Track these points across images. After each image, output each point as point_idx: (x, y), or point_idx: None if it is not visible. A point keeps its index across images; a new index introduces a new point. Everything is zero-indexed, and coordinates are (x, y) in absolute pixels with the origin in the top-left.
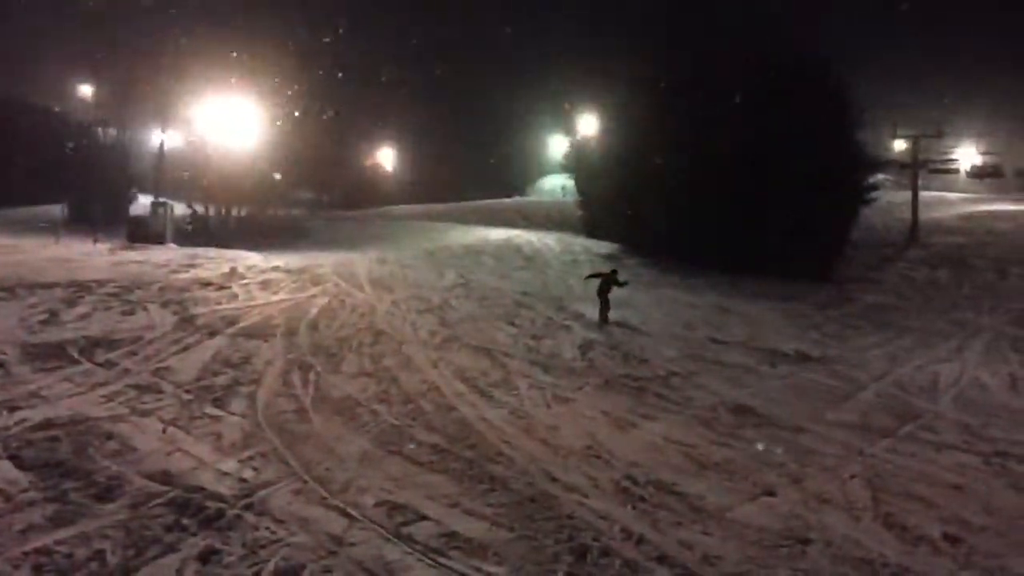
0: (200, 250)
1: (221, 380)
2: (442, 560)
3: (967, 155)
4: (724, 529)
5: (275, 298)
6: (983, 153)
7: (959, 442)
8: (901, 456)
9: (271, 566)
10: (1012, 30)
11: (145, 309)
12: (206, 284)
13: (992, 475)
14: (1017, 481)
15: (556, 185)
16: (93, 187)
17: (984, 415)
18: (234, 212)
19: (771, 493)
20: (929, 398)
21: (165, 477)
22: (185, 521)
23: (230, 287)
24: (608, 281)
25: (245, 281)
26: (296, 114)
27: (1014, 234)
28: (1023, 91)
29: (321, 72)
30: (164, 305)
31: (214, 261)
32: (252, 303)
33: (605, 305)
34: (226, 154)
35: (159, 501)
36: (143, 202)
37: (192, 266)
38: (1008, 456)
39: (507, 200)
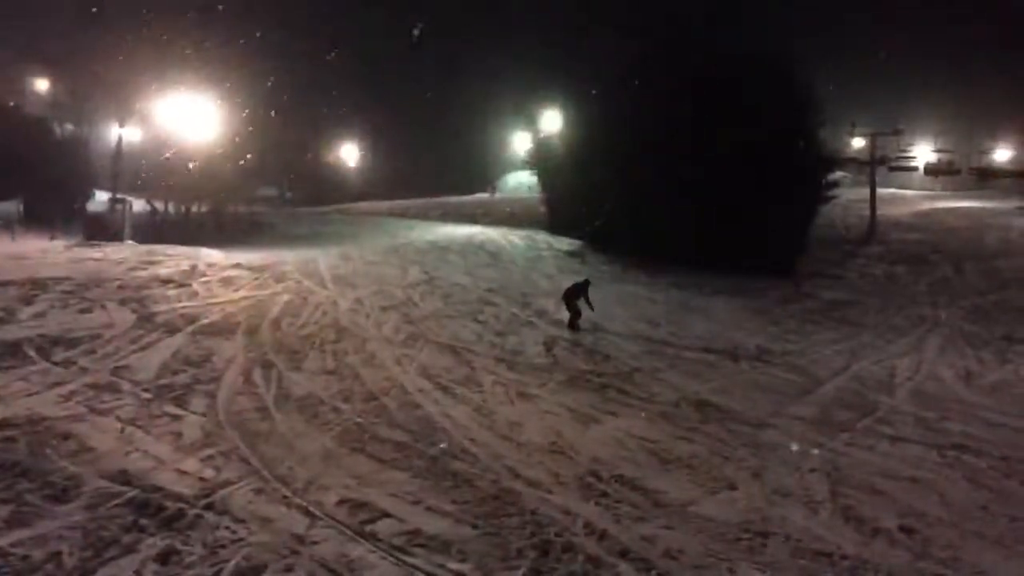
0: (159, 247)
1: (181, 379)
2: (405, 558)
3: (924, 152)
4: (686, 523)
5: (236, 295)
6: (939, 150)
7: (916, 435)
8: (859, 450)
9: (232, 566)
10: (967, 27)
11: (103, 307)
12: (166, 281)
13: (947, 467)
14: (971, 473)
15: (521, 182)
16: (49, 183)
17: (940, 409)
18: (194, 209)
19: (732, 487)
20: (887, 392)
21: (124, 477)
22: (144, 521)
23: (190, 284)
24: (575, 293)
25: (206, 278)
26: (247, 110)
27: (969, 230)
28: (978, 88)
29: (282, 67)
30: (123, 303)
31: (174, 258)
32: (213, 300)
33: (576, 314)
34: (186, 150)
35: (117, 501)
36: (101, 199)
37: (151, 263)
38: (963, 449)
39: (471, 197)
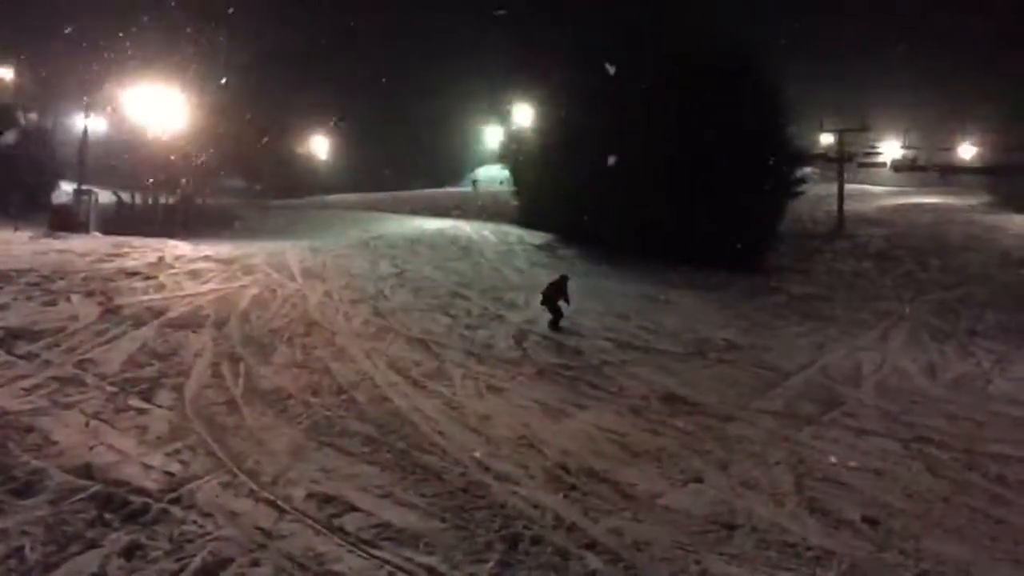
0: (126, 239)
1: (147, 372)
2: (373, 551)
3: (892, 149)
4: (654, 515)
5: (204, 288)
6: (906, 147)
7: (880, 428)
8: (825, 442)
9: (198, 560)
10: (933, 25)
11: (68, 299)
12: (132, 274)
13: (910, 460)
14: (934, 465)
15: (493, 176)
16: (13, 174)
17: (904, 402)
18: (162, 200)
19: (699, 480)
20: (853, 386)
21: (87, 471)
22: (108, 516)
23: (157, 277)
24: (555, 291)
25: (173, 271)
26: (215, 101)
27: (934, 226)
28: (944, 86)
29: (252, 57)
30: (88, 295)
31: (140, 250)
32: (180, 293)
33: (557, 315)
34: (154, 141)
35: (81, 496)
36: (66, 189)
37: (117, 255)
38: (926, 441)
39: (443, 190)
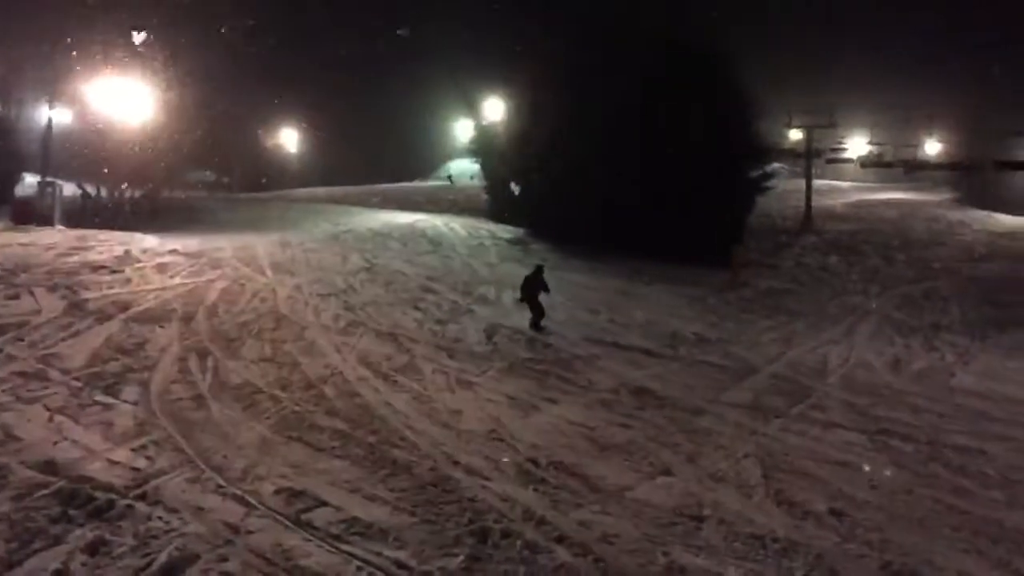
0: (91, 232)
1: (113, 367)
2: (342, 546)
3: (859, 145)
4: (623, 508)
5: (172, 282)
6: (873, 143)
7: (846, 421)
8: (792, 435)
9: (163, 557)
10: (899, 22)
11: (31, 293)
12: (97, 267)
13: (875, 452)
14: (898, 458)
15: (464, 170)
16: None
17: (869, 395)
18: (128, 193)
19: (668, 472)
20: (819, 379)
21: (51, 467)
22: (72, 512)
23: (123, 271)
24: (533, 285)
25: (140, 264)
26: (183, 93)
27: (899, 221)
28: (910, 82)
29: (221, 50)
30: (52, 289)
31: (106, 244)
32: (147, 287)
33: (539, 313)
34: (120, 133)
35: (44, 492)
36: (31, 182)
37: (82, 249)
38: (890, 434)
39: (413, 184)
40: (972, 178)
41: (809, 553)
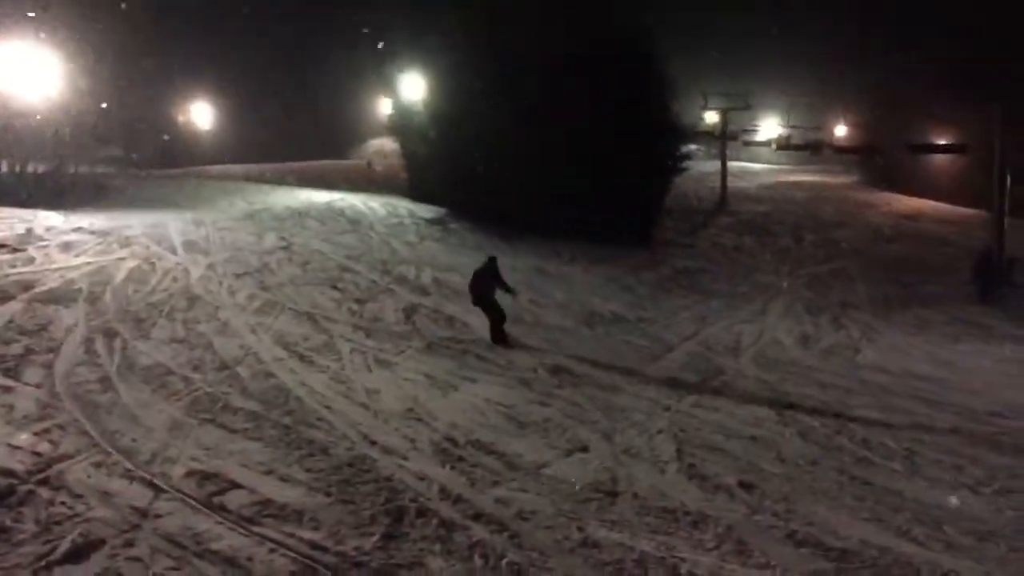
0: None
1: (14, 349)
2: (255, 528)
3: (772, 128)
4: (539, 485)
5: (77, 261)
6: (787, 126)
7: (757, 397)
8: (705, 411)
9: (67, 543)
10: (815, 5)
11: None
12: None
13: (784, 426)
14: (805, 431)
15: (385, 148)
16: None
17: (780, 371)
18: (31, 169)
19: (584, 449)
20: (732, 356)
21: None
22: None
23: (25, 250)
24: (484, 282)
25: (43, 243)
26: (89, 64)
27: (810, 202)
28: (824, 65)
29: (125, 24)
30: None
31: (6, 221)
32: (51, 266)
33: (497, 317)
34: (21, 106)
35: None
36: None
37: None
38: (798, 408)
39: (331, 162)
40: (877, 161)
41: (719, 525)
